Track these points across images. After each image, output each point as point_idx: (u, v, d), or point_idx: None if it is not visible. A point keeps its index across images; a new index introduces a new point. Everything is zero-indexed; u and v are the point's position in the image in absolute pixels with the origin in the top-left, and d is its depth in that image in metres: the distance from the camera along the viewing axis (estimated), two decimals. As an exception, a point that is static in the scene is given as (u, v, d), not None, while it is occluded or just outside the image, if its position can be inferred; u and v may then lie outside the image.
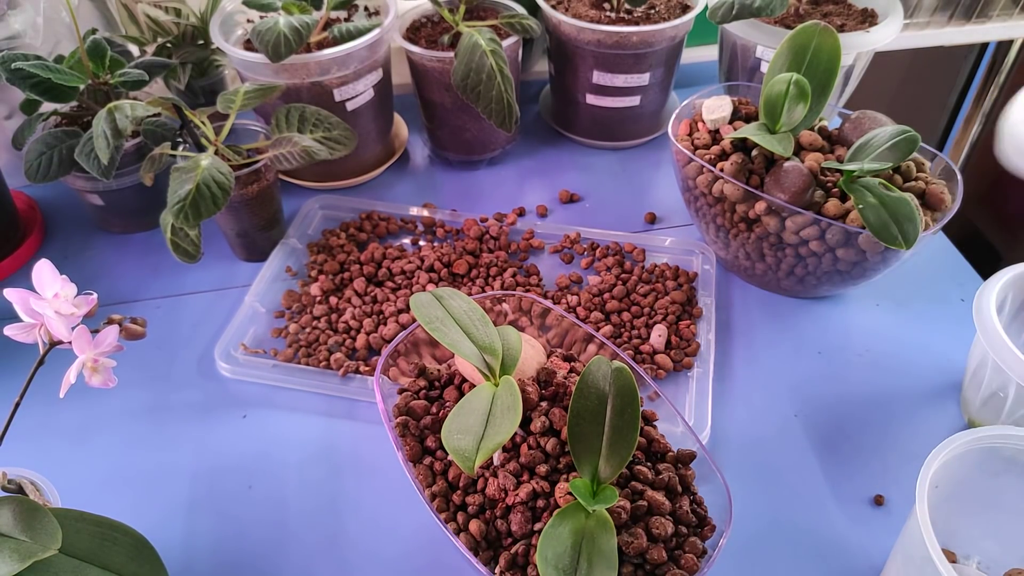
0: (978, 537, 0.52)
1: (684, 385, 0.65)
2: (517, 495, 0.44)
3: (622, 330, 0.69)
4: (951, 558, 0.52)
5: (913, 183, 0.64)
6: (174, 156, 0.68)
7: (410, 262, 0.74)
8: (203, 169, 0.62)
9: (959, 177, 0.64)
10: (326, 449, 0.61)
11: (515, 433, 0.46)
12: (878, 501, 0.57)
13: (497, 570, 0.43)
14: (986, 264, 0.74)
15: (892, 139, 0.60)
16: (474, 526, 0.44)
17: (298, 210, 0.80)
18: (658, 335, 0.67)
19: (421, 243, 0.79)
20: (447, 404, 0.50)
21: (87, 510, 0.42)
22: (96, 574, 0.40)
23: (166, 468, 0.60)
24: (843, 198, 0.63)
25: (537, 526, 0.43)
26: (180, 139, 0.71)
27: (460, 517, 0.45)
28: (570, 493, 0.42)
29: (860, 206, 0.58)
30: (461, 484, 0.46)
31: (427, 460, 0.48)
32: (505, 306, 0.59)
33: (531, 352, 0.50)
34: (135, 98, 0.72)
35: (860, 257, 0.63)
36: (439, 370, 0.53)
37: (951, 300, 0.72)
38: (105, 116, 0.63)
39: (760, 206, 0.64)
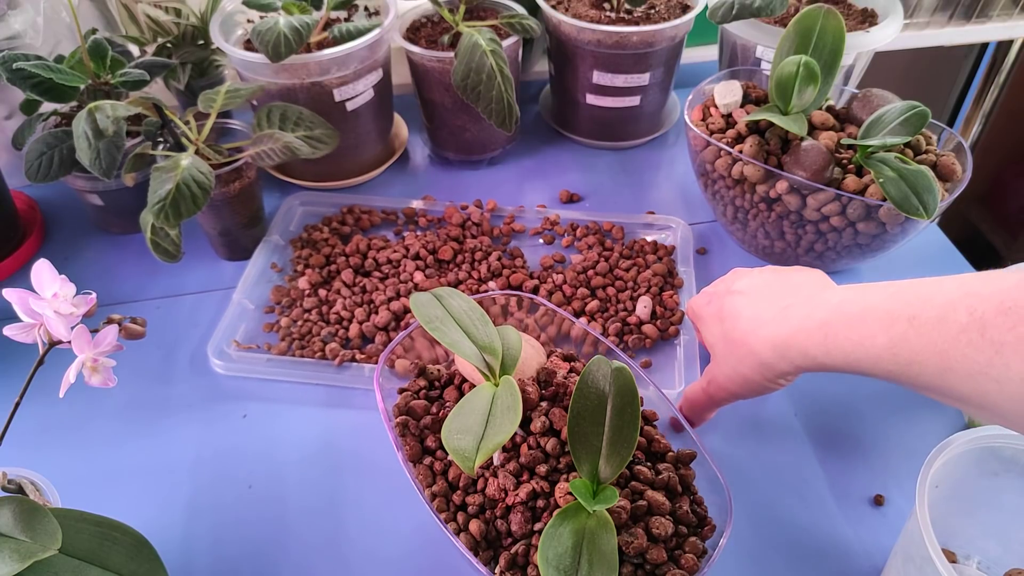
0: (978, 537, 0.52)
1: (672, 353, 0.67)
2: (517, 495, 0.44)
3: (608, 304, 0.71)
4: (951, 558, 0.52)
5: (924, 156, 0.66)
6: (154, 156, 0.67)
7: (395, 251, 0.76)
8: (183, 169, 0.62)
9: (967, 149, 0.66)
10: (325, 442, 0.61)
11: (515, 433, 0.46)
12: (878, 501, 0.57)
13: (497, 570, 0.43)
14: (986, 264, 0.74)
15: (903, 114, 0.62)
16: (474, 526, 0.44)
17: (277, 208, 0.80)
18: (643, 306, 0.69)
19: (405, 234, 0.80)
20: (447, 404, 0.50)
21: (87, 510, 0.42)
22: (96, 574, 0.40)
23: (166, 467, 0.60)
24: (859, 173, 0.65)
25: (537, 526, 0.43)
26: (161, 139, 0.70)
27: (460, 517, 0.45)
28: (570, 493, 0.42)
29: (880, 180, 0.60)
30: (461, 484, 0.46)
31: (427, 460, 0.48)
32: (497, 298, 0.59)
33: (531, 352, 0.50)
34: (118, 97, 0.72)
35: (880, 230, 0.65)
36: (439, 370, 0.53)
37: (951, 300, 0.72)
38: (85, 117, 0.62)
39: (781, 185, 0.65)
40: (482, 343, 0.45)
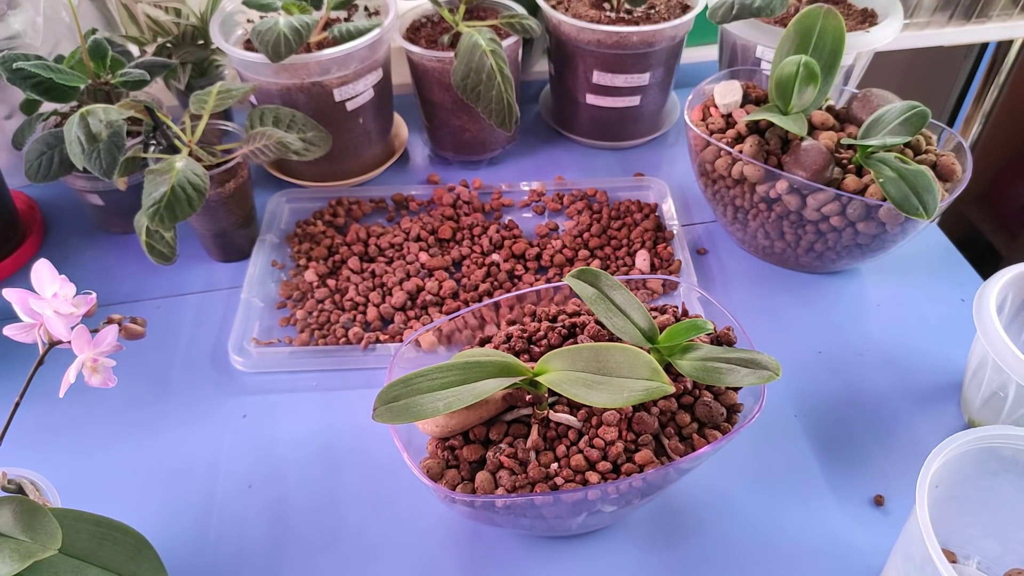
0: (978, 537, 0.52)
1: (676, 300, 0.67)
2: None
3: (609, 262, 0.75)
4: (951, 558, 0.52)
5: (924, 156, 0.66)
6: (145, 158, 0.67)
7: (396, 236, 0.78)
8: (178, 171, 0.62)
9: (967, 149, 0.66)
10: (327, 441, 0.61)
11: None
12: (878, 501, 0.57)
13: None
14: (986, 264, 0.74)
15: (903, 114, 0.62)
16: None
17: (263, 208, 0.81)
18: (643, 260, 0.74)
19: (399, 219, 0.82)
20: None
21: (87, 510, 0.42)
22: (96, 574, 0.40)
23: (165, 467, 0.60)
24: (859, 173, 0.65)
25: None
26: (154, 141, 0.70)
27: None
28: None
29: (880, 180, 0.61)
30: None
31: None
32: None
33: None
34: (118, 97, 0.71)
35: (880, 229, 0.65)
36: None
37: (951, 300, 0.72)
38: (78, 122, 0.62)
39: (781, 185, 0.65)
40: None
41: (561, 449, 0.46)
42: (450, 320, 0.56)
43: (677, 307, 0.56)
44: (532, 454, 0.46)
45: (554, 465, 0.45)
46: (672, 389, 0.41)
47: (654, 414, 0.47)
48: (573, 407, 0.48)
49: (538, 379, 0.45)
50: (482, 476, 0.46)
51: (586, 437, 0.46)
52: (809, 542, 0.55)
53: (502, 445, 0.47)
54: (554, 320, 0.54)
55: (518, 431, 0.48)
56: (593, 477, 0.44)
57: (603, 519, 0.53)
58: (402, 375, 0.45)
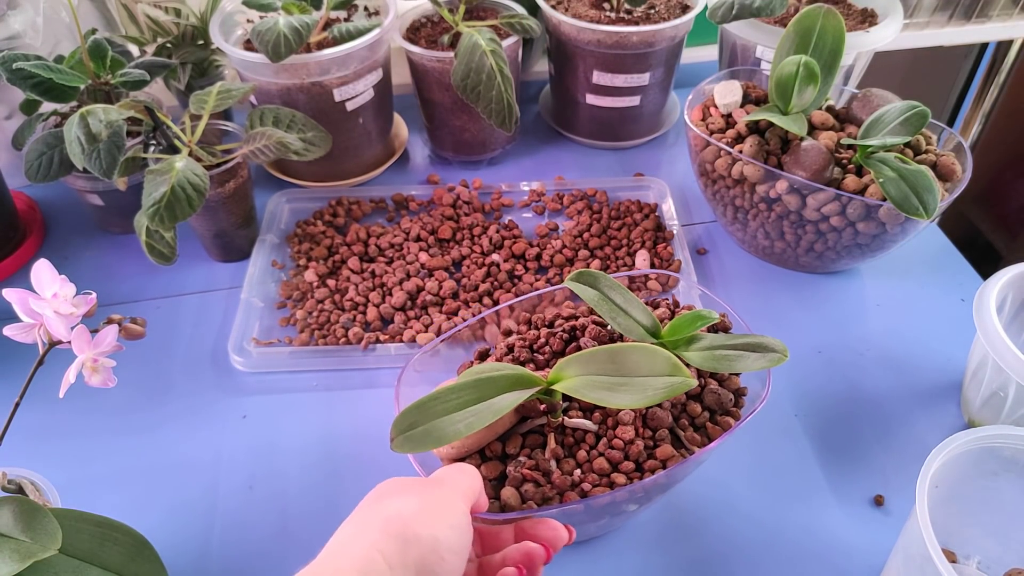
0: (978, 537, 0.52)
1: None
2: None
3: (609, 262, 0.75)
4: (951, 558, 0.52)
5: (924, 156, 0.66)
6: (145, 158, 0.67)
7: (396, 236, 0.78)
8: (178, 171, 0.62)
9: (967, 149, 0.66)
10: (328, 441, 0.61)
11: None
12: (878, 501, 0.57)
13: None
14: (986, 264, 0.74)
15: (903, 114, 0.62)
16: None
17: (263, 208, 0.81)
18: (642, 259, 0.74)
19: (399, 219, 0.82)
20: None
21: (87, 510, 0.42)
22: (96, 574, 0.40)
23: (166, 467, 0.60)
24: (859, 173, 0.65)
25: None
26: (154, 141, 0.70)
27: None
28: None
29: (880, 180, 0.60)
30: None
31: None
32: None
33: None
34: (118, 97, 0.72)
35: (880, 229, 0.65)
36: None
37: (951, 300, 0.72)
38: (78, 122, 0.62)
39: (781, 185, 0.65)
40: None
41: (581, 454, 0.46)
42: (453, 332, 0.54)
43: (669, 299, 0.56)
44: (553, 463, 0.45)
45: (577, 471, 0.45)
46: (695, 383, 0.40)
47: (666, 408, 0.47)
48: (586, 411, 0.47)
49: (554, 387, 0.43)
50: (507, 492, 0.44)
51: (604, 439, 0.46)
52: (809, 542, 0.55)
53: (521, 458, 0.45)
54: (551, 325, 0.54)
55: (534, 442, 0.47)
56: (619, 478, 0.44)
57: (621, 520, 0.53)
58: (414, 400, 0.42)
